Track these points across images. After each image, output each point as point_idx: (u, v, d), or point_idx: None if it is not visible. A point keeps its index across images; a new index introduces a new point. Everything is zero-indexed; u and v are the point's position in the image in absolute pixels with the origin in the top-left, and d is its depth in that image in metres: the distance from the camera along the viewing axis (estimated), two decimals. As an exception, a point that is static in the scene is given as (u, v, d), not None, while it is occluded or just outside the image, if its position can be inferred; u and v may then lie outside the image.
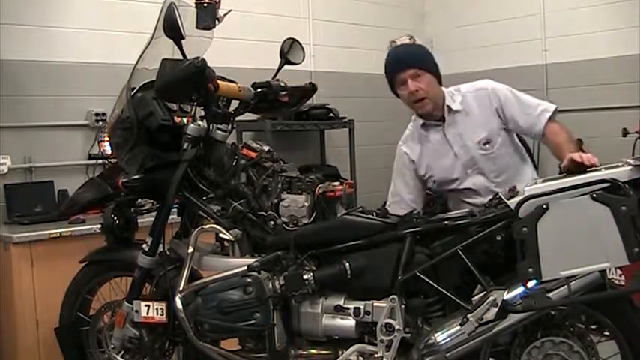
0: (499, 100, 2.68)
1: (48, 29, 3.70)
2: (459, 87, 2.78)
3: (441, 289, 2.15)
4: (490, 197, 2.39)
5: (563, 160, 2.23)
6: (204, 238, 2.42)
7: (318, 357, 2.31)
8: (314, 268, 2.27)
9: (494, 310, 2.01)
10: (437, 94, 2.71)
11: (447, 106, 2.71)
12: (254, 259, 2.25)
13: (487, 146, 2.69)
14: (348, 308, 2.23)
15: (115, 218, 2.49)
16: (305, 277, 2.21)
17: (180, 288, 2.26)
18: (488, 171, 2.70)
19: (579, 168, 2.08)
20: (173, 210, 2.48)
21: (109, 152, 2.94)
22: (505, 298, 2.01)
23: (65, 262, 2.79)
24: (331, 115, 4.64)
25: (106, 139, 3.56)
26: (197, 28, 2.38)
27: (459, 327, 2.07)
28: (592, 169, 2.09)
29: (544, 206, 1.93)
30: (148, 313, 2.38)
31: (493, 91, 2.70)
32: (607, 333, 2.14)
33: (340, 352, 2.24)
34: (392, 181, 2.89)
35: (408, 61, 2.68)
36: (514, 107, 2.67)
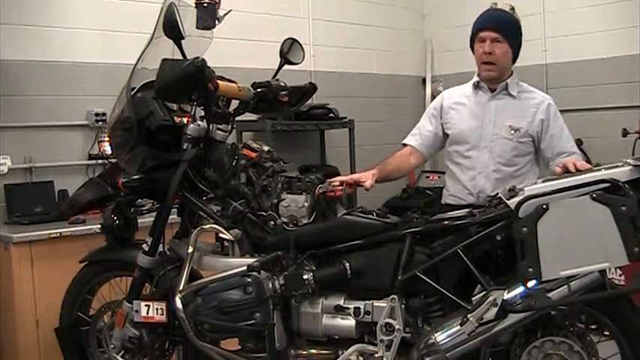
0: (550, 115, 2.78)
1: (48, 29, 3.70)
2: (526, 84, 2.89)
3: (441, 289, 2.15)
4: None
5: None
6: (204, 238, 2.42)
7: (318, 357, 2.31)
8: (314, 268, 2.27)
9: (494, 310, 2.01)
10: (505, 68, 2.82)
11: (507, 83, 2.82)
12: (254, 259, 2.26)
13: (512, 133, 2.75)
14: (348, 308, 2.24)
15: (115, 218, 2.49)
16: (305, 277, 2.22)
17: (180, 288, 2.26)
18: (497, 154, 2.77)
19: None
20: (173, 210, 2.48)
21: (109, 152, 2.94)
22: (505, 298, 2.01)
23: (65, 262, 2.79)
24: (331, 115, 4.64)
25: (106, 139, 3.56)
26: (197, 28, 2.38)
27: (459, 327, 2.07)
28: (591, 169, 2.09)
29: (544, 206, 1.93)
30: (148, 313, 2.38)
31: (550, 106, 2.80)
32: (607, 333, 2.14)
33: (340, 352, 2.24)
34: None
35: (496, 25, 2.79)
36: (558, 130, 2.78)
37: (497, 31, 2.76)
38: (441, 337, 2.10)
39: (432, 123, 2.94)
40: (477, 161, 2.79)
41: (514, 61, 2.86)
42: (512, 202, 2.04)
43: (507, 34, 2.77)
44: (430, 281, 2.15)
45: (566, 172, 2.18)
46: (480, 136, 2.80)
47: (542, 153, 2.80)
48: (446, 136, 2.91)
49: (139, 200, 2.57)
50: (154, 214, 2.50)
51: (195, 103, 2.42)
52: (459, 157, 2.86)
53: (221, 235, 2.35)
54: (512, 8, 2.82)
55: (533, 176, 2.79)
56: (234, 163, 2.38)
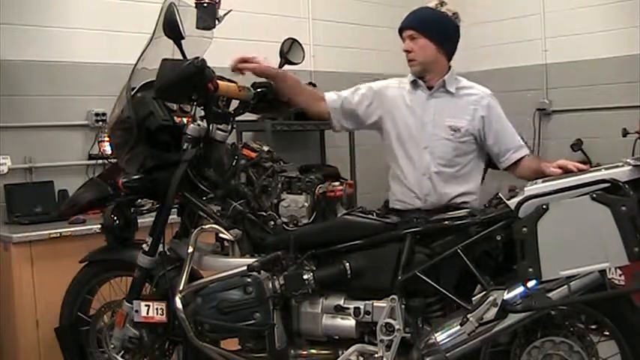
0: (490, 112, 2.64)
1: (48, 29, 3.70)
2: (465, 80, 2.78)
3: (441, 289, 2.15)
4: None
5: (547, 170, 2.33)
6: (204, 238, 2.42)
7: (318, 357, 2.31)
8: (314, 268, 2.28)
9: (494, 310, 2.02)
10: (429, 62, 2.70)
11: (444, 80, 2.70)
12: (254, 259, 2.26)
13: (452, 133, 2.62)
14: (348, 308, 2.24)
15: (115, 218, 2.49)
16: (305, 277, 2.22)
17: (180, 288, 2.26)
18: (438, 156, 2.62)
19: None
20: (173, 210, 2.48)
21: (109, 152, 2.94)
22: (505, 298, 2.01)
23: (65, 262, 2.79)
24: (331, 115, 4.63)
25: (106, 139, 3.56)
26: (197, 28, 2.38)
27: (459, 327, 2.07)
28: (591, 169, 2.10)
29: (544, 206, 1.93)
30: (148, 313, 2.38)
31: (489, 102, 2.66)
32: (607, 333, 2.14)
33: (340, 352, 2.25)
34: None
35: (410, 23, 2.78)
36: (502, 125, 2.65)
37: (412, 29, 2.74)
38: (441, 337, 2.10)
39: (358, 102, 2.77)
40: (420, 163, 2.65)
41: (449, 56, 2.75)
42: (512, 202, 2.05)
43: (424, 28, 2.72)
44: (430, 281, 2.15)
45: (566, 172, 2.18)
46: (421, 136, 2.67)
47: (490, 150, 2.67)
48: (373, 126, 2.77)
49: (139, 200, 2.57)
50: (154, 214, 2.50)
51: (195, 103, 2.43)
52: (401, 159, 2.70)
53: (221, 235, 2.35)
54: (441, 3, 2.76)
55: (478, 173, 2.69)
56: (234, 163, 2.39)
